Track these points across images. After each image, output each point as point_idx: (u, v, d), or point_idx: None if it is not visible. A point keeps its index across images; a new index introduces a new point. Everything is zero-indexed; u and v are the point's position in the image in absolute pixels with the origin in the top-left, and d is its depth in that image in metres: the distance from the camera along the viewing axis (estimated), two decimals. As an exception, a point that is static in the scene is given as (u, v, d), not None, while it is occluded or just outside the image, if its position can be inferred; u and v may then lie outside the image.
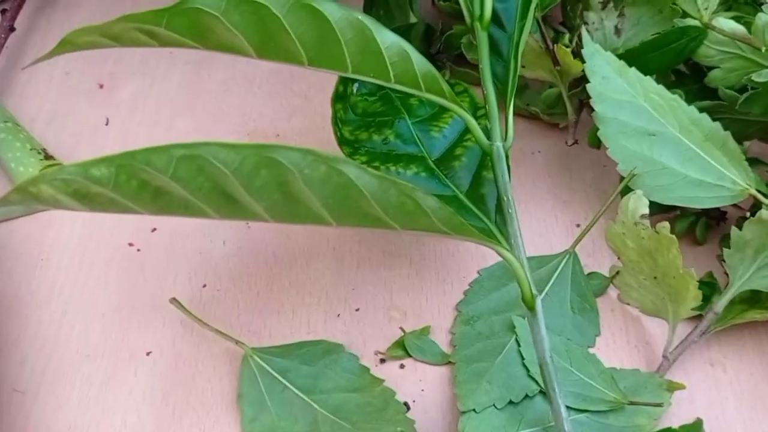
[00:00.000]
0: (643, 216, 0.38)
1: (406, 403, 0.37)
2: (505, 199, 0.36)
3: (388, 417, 0.35)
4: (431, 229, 0.32)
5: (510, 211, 0.36)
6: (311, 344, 0.38)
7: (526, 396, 0.37)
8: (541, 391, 0.37)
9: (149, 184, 0.29)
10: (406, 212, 0.31)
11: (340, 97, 0.43)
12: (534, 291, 0.34)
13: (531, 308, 0.34)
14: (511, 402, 0.37)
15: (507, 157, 0.36)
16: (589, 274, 0.42)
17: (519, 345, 0.38)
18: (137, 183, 0.29)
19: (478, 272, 0.42)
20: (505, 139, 0.37)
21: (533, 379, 0.37)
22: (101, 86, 0.51)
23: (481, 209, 0.39)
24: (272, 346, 0.38)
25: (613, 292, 0.42)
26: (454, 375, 0.38)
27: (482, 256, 0.42)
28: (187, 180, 0.29)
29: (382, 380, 0.37)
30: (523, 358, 0.38)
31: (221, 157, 0.29)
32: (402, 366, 0.39)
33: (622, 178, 0.45)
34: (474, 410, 0.36)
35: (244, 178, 0.29)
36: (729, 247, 0.39)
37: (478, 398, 0.37)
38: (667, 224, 0.37)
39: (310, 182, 0.30)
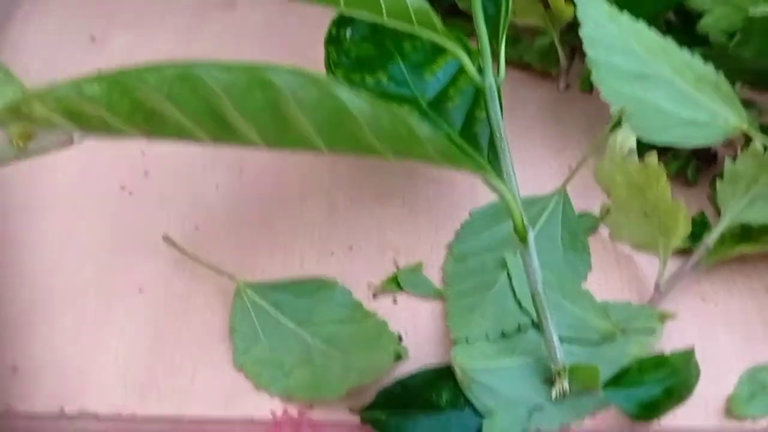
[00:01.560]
0: (630, 150, 0.39)
1: (399, 335, 0.37)
2: (498, 135, 0.37)
3: (380, 346, 0.35)
4: (425, 158, 0.32)
5: (503, 146, 0.36)
6: (304, 280, 0.38)
7: (519, 328, 0.37)
8: (533, 324, 0.37)
9: (143, 104, 0.29)
10: (399, 139, 0.31)
11: (333, 40, 0.43)
12: (526, 222, 0.34)
13: (523, 239, 0.34)
14: (503, 333, 0.37)
15: (499, 93, 0.37)
16: (579, 213, 0.42)
17: (511, 280, 0.38)
18: (130, 102, 0.29)
19: (469, 213, 0.42)
20: (498, 74, 0.37)
21: (526, 312, 0.37)
22: (93, 39, 0.51)
23: (474, 147, 0.39)
24: (265, 281, 0.38)
25: (604, 231, 0.42)
26: (447, 308, 0.38)
27: (475, 196, 0.43)
28: (180, 100, 0.29)
29: (375, 313, 0.37)
30: (515, 293, 0.38)
31: (215, 77, 0.29)
32: (395, 301, 0.39)
33: (615, 123, 0.46)
34: (466, 340, 0.36)
35: (237, 99, 0.29)
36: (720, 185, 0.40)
37: (470, 330, 0.37)
38: (654, 154, 0.37)
39: (303, 105, 0.30)
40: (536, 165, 0.45)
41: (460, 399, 0.35)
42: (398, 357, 0.33)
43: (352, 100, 0.30)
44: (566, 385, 0.35)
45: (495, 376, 0.36)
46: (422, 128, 0.31)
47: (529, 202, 0.42)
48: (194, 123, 0.30)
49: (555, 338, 0.35)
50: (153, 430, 0.35)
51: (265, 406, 0.35)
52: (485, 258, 0.40)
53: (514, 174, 0.36)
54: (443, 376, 0.35)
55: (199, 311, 0.38)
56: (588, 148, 0.45)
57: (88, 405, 0.35)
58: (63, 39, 0.51)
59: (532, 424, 0.35)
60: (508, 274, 0.39)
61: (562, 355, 0.35)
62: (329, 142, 0.31)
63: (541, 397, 0.35)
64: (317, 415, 0.35)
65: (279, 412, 0.35)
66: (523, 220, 0.34)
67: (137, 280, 0.39)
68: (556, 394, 0.35)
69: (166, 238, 0.39)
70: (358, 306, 0.38)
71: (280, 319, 0.37)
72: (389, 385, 0.35)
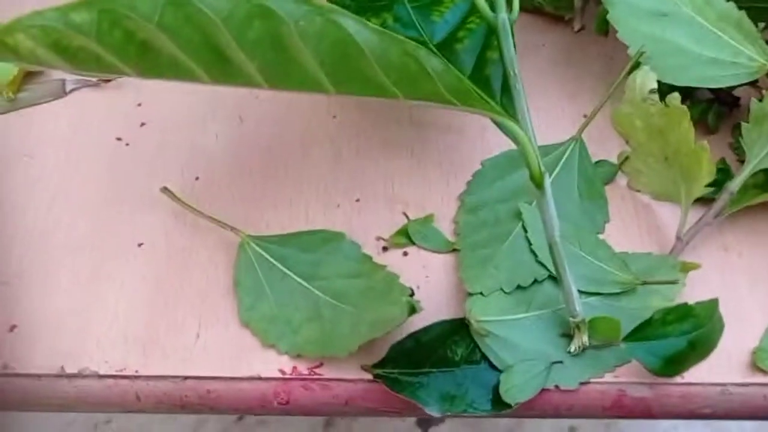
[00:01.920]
0: (651, 91, 0.37)
1: (411, 289, 0.35)
2: (512, 73, 0.35)
3: (392, 299, 0.34)
4: (435, 97, 0.30)
5: (517, 86, 0.35)
6: (311, 233, 0.37)
7: (535, 281, 0.35)
8: (550, 277, 0.36)
9: (135, 35, 0.27)
10: (408, 75, 0.29)
11: (336, -18, 0.41)
12: (542, 168, 0.32)
13: (539, 186, 0.32)
14: (519, 286, 0.35)
15: (512, 31, 0.35)
16: (596, 162, 0.40)
17: (526, 231, 0.37)
18: (122, 33, 0.27)
19: (481, 163, 0.40)
20: (510, 10, 0.35)
21: (542, 264, 0.36)
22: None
23: (486, 91, 0.37)
24: (270, 235, 0.37)
25: (622, 180, 0.40)
26: (460, 261, 0.36)
27: (486, 146, 0.41)
28: (174, 30, 0.27)
29: (385, 266, 0.35)
30: (530, 244, 0.36)
31: (211, 3, 0.27)
32: (405, 254, 0.37)
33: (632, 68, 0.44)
34: (481, 293, 0.35)
35: (236, 29, 0.27)
36: (741, 134, 0.38)
37: (485, 282, 0.35)
38: (677, 95, 0.36)
39: (306, 36, 0.28)
40: (549, 111, 0.43)
41: (475, 354, 0.34)
42: (412, 310, 0.32)
43: (359, 31, 0.28)
44: (585, 338, 0.34)
45: (511, 330, 0.34)
46: (432, 62, 0.29)
47: (544, 151, 0.40)
48: (190, 56, 0.28)
49: (573, 290, 0.33)
50: (156, 390, 0.33)
51: (273, 364, 0.34)
52: (498, 209, 0.38)
53: (529, 114, 0.34)
54: (457, 330, 0.34)
55: (202, 266, 0.37)
56: (604, 93, 0.43)
57: (88, 363, 0.33)
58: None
59: (551, 379, 0.33)
60: (523, 225, 0.37)
61: (581, 307, 0.33)
62: (334, 78, 0.29)
63: (559, 352, 0.34)
64: (327, 372, 0.33)
65: (288, 370, 0.33)
66: (539, 166, 0.32)
67: (136, 234, 0.38)
68: (575, 348, 0.34)
69: (165, 190, 0.37)
70: (367, 259, 0.36)
71: (287, 274, 0.35)
72: (402, 340, 0.33)
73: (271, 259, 0.36)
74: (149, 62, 0.28)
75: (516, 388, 0.33)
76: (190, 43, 0.27)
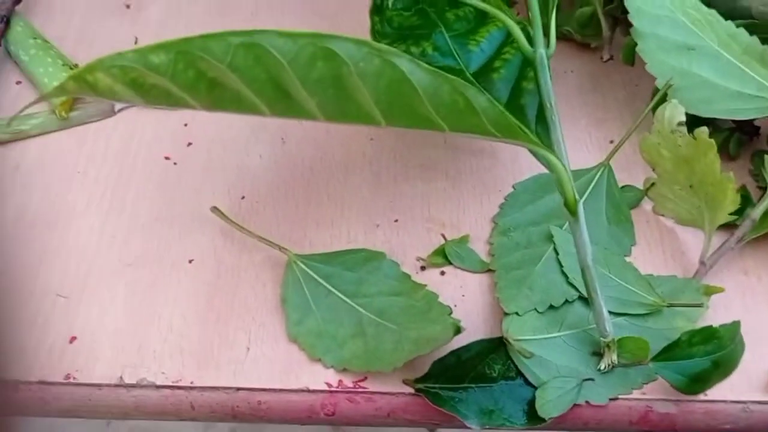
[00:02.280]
0: (680, 123, 0.39)
1: (449, 308, 0.37)
2: (548, 105, 0.37)
3: (432, 318, 0.36)
4: (480, 131, 0.32)
5: (553, 118, 0.36)
6: (353, 252, 0.39)
7: (566, 301, 0.37)
8: (580, 297, 0.38)
9: (205, 74, 0.29)
10: (456, 111, 0.31)
11: (377, 10, 0.43)
12: (576, 196, 0.34)
13: (573, 213, 0.34)
14: (551, 306, 0.37)
15: (549, 63, 0.37)
16: (623, 186, 0.42)
17: (557, 254, 0.39)
18: (194, 73, 0.29)
19: (513, 186, 0.42)
20: (548, 45, 0.37)
21: (572, 285, 0.38)
22: (128, 6, 0.50)
23: (521, 120, 0.39)
24: (315, 253, 0.38)
25: (647, 204, 0.42)
26: (495, 282, 0.38)
27: (518, 170, 0.43)
28: (243, 70, 0.29)
29: (425, 285, 0.37)
30: (561, 266, 0.38)
31: (278, 46, 0.29)
32: (443, 273, 0.39)
33: (654, 95, 0.45)
34: (517, 313, 0.37)
35: (300, 70, 0.29)
36: (762, 162, 0.40)
37: (520, 302, 0.37)
38: (705, 129, 0.38)
39: (364, 76, 0.30)
40: (577, 137, 0.45)
41: (511, 371, 0.35)
42: (457, 331, 0.34)
43: (413, 71, 0.30)
44: (615, 357, 0.35)
45: (545, 348, 0.36)
46: (480, 100, 0.31)
47: (574, 175, 0.41)
48: (255, 93, 0.30)
49: (604, 311, 0.35)
50: (210, 400, 0.35)
51: (320, 377, 0.36)
52: (530, 231, 0.40)
53: (564, 144, 0.36)
54: (495, 348, 0.36)
55: (250, 282, 0.39)
56: (629, 120, 0.45)
57: (146, 374, 0.35)
58: (97, 4, 0.50)
59: (582, 396, 0.35)
60: (555, 247, 0.39)
61: (611, 328, 0.35)
62: (388, 114, 0.31)
63: (590, 369, 0.36)
64: (371, 385, 0.35)
65: (334, 383, 0.35)
66: (574, 194, 0.34)
67: (186, 251, 0.39)
68: (605, 366, 0.36)
69: (215, 210, 0.39)
70: (406, 278, 0.38)
71: (331, 291, 0.37)
72: (443, 357, 0.35)
73: (317, 277, 0.38)
74: (216, 98, 0.30)
75: (550, 404, 0.35)
76: (256, 82, 0.29)
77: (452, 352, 0.36)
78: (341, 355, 0.36)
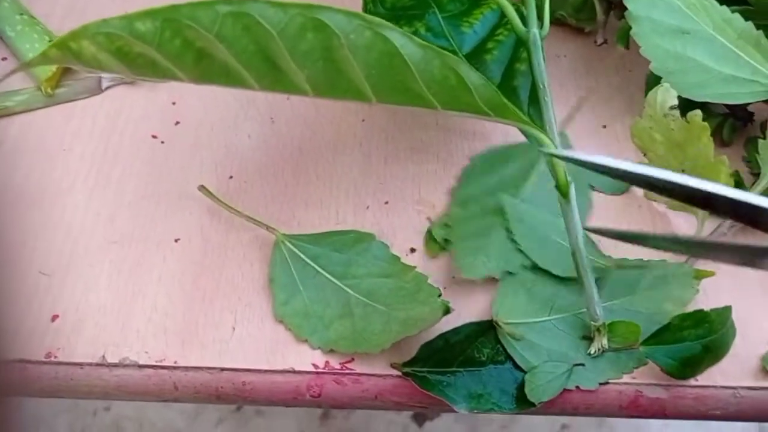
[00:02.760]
0: (672, 107, 0.38)
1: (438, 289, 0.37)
2: (541, 86, 0.36)
3: (421, 299, 0.35)
4: (472, 109, 0.31)
5: (546, 99, 0.36)
6: (342, 233, 0.38)
7: (523, 267, 0.37)
8: (569, 279, 0.37)
9: (193, 43, 0.28)
10: (448, 87, 0.31)
11: (369, -10, 0.42)
12: (569, 178, 0.34)
13: (565, 195, 0.34)
14: (509, 273, 0.37)
15: (542, 44, 0.36)
16: (615, 172, 0.42)
17: (509, 222, 0.38)
18: (181, 42, 0.28)
19: (470, 159, 0.42)
20: (541, 27, 0.36)
21: (524, 253, 0.38)
22: (117, -17, 0.49)
23: (514, 102, 0.39)
24: (303, 234, 0.38)
25: (638, 190, 0.42)
26: (454, 251, 0.38)
27: (510, 153, 0.42)
28: (231, 40, 0.28)
29: (414, 267, 0.37)
30: (512, 234, 0.38)
31: (268, 16, 0.28)
32: (433, 256, 0.39)
33: (648, 79, 0.45)
34: (505, 296, 0.36)
35: (290, 41, 0.29)
36: (756, 149, 0.40)
37: (478, 269, 0.37)
38: (699, 112, 0.37)
39: (355, 48, 0.29)
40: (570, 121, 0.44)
41: (500, 355, 0.35)
42: (446, 311, 0.33)
43: (405, 44, 0.30)
44: (605, 341, 0.35)
45: (535, 332, 0.36)
46: (472, 77, 0.31)
47: (527, 147, 0.41)
48: (244, 65, 0.30)
49: (594, 294, 0.35)
50: (194, 380, 0.35)
51: (307, 358, 0.35)
52: (486, 201, 0.40)
53: (556, 125, 0.35)
54: (484, 332, 0.35)
55: (237, 262, 0.38)
56: (624, 108, 0.45)
57: (128, 354, 0.35)
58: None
59: (572, 380, 0.35)
60: (505, 217, 0.39)
61: (602, 311, 0.35)
62: (378, 89, 0.31)
63: (579, 353, 0.36)
64: (358, 367, 0.35)
65: (321, 364, 0.35)
66: (566, 176, 0.34)
67: (173, 230, 0.39)
68: (595, 350, 0.35)
69: (202, 188, 0.39)
70: (395, 260, 0.37)
71: (319, 272, 0.37)
72: (432, 340, 0.35)
73: (305, 257, 0.37)
74: (204, 70, 0.29)
75: (540, 388, 0.34)
76: (244, 53, 0.29)
77: (440, 336, 0.35)
78: (328, 336, 0.35)
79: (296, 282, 0.37)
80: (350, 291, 0.36)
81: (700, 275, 0.38)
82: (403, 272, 0.37)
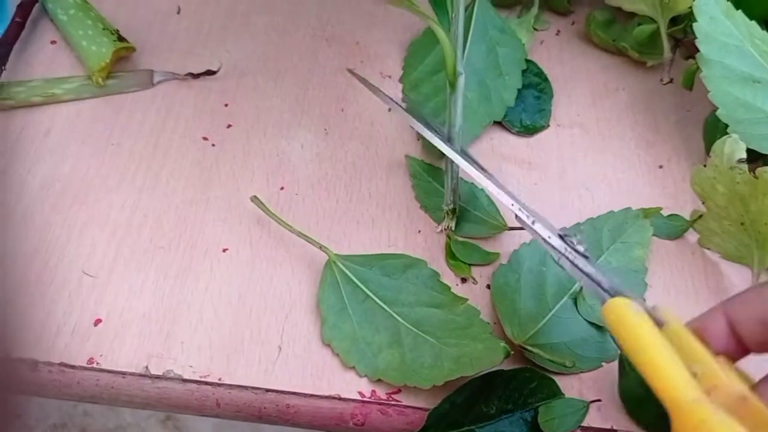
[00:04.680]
0: (740, 160, 0.38)
1: (489, 324, 0.36)
2: None
3: (473, 334, 0.35)
4: None
5: None
6: (393, 257, 0.37)
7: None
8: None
9: None
10: None
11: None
12: (459, 69, 0.35)
13: (452, 84, 0.35)
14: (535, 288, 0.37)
15: None
16: (669, 215, 0.41)
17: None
18: None
19: (406, 49, 0.46)
20: None
21: None
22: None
23: None
24: (355, 255, 0.37)
25: (692, 236, 0.41)
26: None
27: (565, 184, 0.42)
28: None
29: (466, 299, 0.36)
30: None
31: None
32: (489, 287, 0.38)
33: (708, 123, 0.44)
34: (510, 318, 0.36)
35: None
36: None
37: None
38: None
39: None
40: (625, 157, 0.44)
41: (509, 403, 0.34)
42: (507, 354, 0.32)
43: None
44: (452, 224, 0.39)
45: (548, 333, 0.36)
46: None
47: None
48: None
49: (450, 180, 0.38)
50: (237, 399, 0.34)
51: (353, 386, 0.34)
52: (435, 79, 0.43)
53: (463, 20, 0.35)
54: (488, 385, 0.34)
55: (285, 278, 0.37)
56: (682, 148, 0.44)
57: (173, 366, 0.34)
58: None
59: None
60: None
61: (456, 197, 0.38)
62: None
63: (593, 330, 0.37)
64: (405, 398, 0.34)
65: (367, 393, 0.34)
66: (455, 67, 0.35)
67: (221, 239, 0.38)
68: (441, 229, 0.40)
69: (255, 199, 0.38)
70: (446, 289, 0.37)
71: (369, 296, 0.36)
72: (437, 407, 0.33)
73: (356, 280, 0.36)
74: None
75: (554, 422, 0.34)
76: None
77: (445, 400, 0.33)
78: (376, 365, 0.35)
79: (345, 305, 0.36)
80: (399, 319, 0.36)
81: (648, 213, 0.40)
82: (454, 303, 0.36)
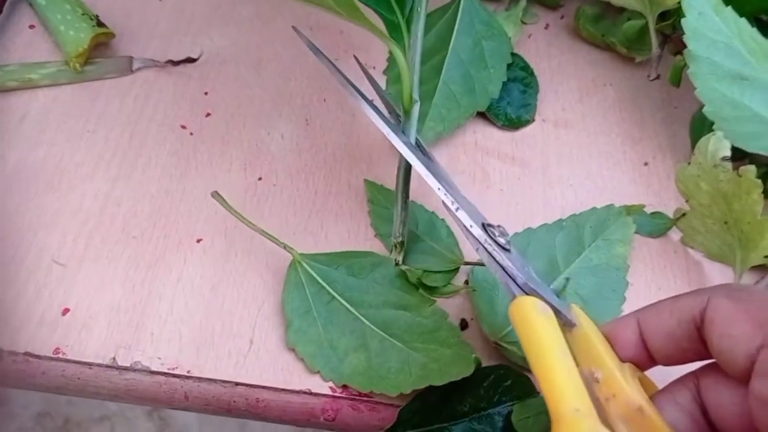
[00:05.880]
0: (724, 158, 0.37)
1: (463, 321, 0.36)
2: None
3: (441, 339, 0.33)
4: (323, 4, 0.29)
5: (419, 9, 0.34)
6: (360, 255, 0.36)
7: None
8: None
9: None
10: None
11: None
12: (415, 96, 0.33)
13: (407, 111, 0.33)
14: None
15: None
16: (652, 213, 0.41)
17: None
18: None
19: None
20: None
21: None
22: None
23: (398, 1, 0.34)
24: (320, 253, 0.36)
25: (675, 234, 0.41)
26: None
27: (549, 181, 0.41)
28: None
29: (434, 300, 0.35)
30: None
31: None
32: (467, 282, 0.37)
33: (695, 120, 0.44)
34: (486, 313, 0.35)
35: None
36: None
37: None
38: (753, 168, 0.36)
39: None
40: (610, 154, 0.43)
41: (482, 402, 0.33)
42: (478, 365, 0.32)
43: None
44: (400, 258, 0.37)
45: None
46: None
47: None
48: None
49: (399, 215, 0.37)
50: (206, 392, 0.33)
51: (324, 380, 0.34)
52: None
53: (422, 41, 0.33)
54: (462, 382, 0.33)
55: (259, 270, 0.36)
56: (667, 145, 0.43)
57: (140, 357, 0.33)
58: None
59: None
60: None
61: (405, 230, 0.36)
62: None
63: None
64: (377, 395, 0.33)
65: (338, 388, 0.33)
66: (411, 92, 0.33)
67: (195, 229, 0.37)
68: (395, 261, 0.36)
69: (216, 195, 0.36)
70: (413, 290, 0.35)
71: (335, 297, 0.35)
72: (408, 403, 0.33)
73: (321, 280, 0.35)
74: None
75: (529, 420, 0.33)
76: None
77: (416, 397, 0.33)
78: (342, 370, 0.33)
79: (311, 307, 0.34)
80: (365, 321, 0.34)
81: (631, 210, 0.39)
82: (422, 305, 0.35)
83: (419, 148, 0.34)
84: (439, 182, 0.31)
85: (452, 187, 0.32)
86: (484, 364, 0.34)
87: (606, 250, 0.38)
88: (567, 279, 0.36)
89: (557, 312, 0.28)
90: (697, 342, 0.26)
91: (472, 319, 0.36)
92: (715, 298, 0.26)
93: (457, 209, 0.30)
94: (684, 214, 0.40)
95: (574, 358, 0.26)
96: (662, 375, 0.28)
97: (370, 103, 0.33)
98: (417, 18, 0.33)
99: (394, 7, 0.33)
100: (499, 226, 0.30)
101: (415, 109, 0.33)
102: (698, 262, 0.40)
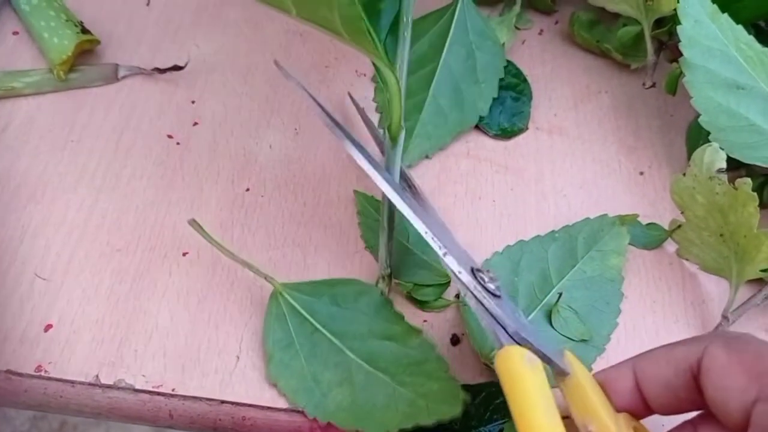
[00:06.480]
0: (719, 170, 0.36)
1: (454, 336, 0.35)
2: (404, 20, 0.32)
3: (428, 372, 0.32)
4: (326, 25, 0.27)
5: (405, 34, 0.32)
6: (344, 283, 0.35)
7: None
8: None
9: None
10: None
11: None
12: (403, 123, 0.31)
13: (394, 139, 0.31)
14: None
15: None
16: (647, 224, 0.40)
17: None
18: None
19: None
20: None
21: None
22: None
23: (374, 25, 0.33)
24: (303, 282, 0.35)
25: (670, 246, 0.40)
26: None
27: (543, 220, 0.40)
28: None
29: (420, 330, 0.33)
30: None
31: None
32: (457, 296, 0.37)
33: (691, 129, 0.43)
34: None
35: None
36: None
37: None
38: (748, 180, 0.35)
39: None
40: (606, 163, 0.42)
41: (472, 420, 0.33)
42: (466, 405, 0.31)
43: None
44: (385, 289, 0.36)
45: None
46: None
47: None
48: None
49: (384, 243, 0.37)
50: (191, 411, 0.33)
51: (313, 397, 0.33)
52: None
53: (407, 65, 0.32)
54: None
55: (246, 284, 0.36)
56: (663, 154, 0.43)
57: (124, 375, 0.33)
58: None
59: None
60: None
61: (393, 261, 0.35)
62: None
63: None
64: (366, 413, 0.33)
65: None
66: (401, 119, 0.31)
67: (181, 242, 0.37)
68: (381, 290, 0.35)
69: (193, 223, 0.34)
70: (400, 319, 0.34)
71: (318, 328, 0.33)
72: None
73: (303, 312, 0.34)
74: None
75: None
76: None
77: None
78: (326, 406, 0.32)
79: (293, 339, 0.33)
80: (350, 354, 0.33)
81: (625, 220, 0.38)
82: (408, 335, 0.33)
83: (405, 181, 0.33)
84: (427, 225, 0.30)
85: (440, 226, 0.31)
86: (476, 380, 0.34)
87: (600, 261, 0.38)
88: (560, 294, 0.36)
89: (549, 361, 0.27)
90: (694, 392, 0.25)
91: (463, 334, 0.35)
92: (711, 348, 0.25)
93: (445, 254, 0.29)
94: (679, 226, 0.40)
95: (568, 409, 0.26)
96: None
97: (353, 140, 0.32)
98: (403, 44, 0.32)
99: (381, 33, 0.33)
100: (488, 270, 0.29)
101: (401, 137, 0.32)
102: (694, 275, 0.39)
